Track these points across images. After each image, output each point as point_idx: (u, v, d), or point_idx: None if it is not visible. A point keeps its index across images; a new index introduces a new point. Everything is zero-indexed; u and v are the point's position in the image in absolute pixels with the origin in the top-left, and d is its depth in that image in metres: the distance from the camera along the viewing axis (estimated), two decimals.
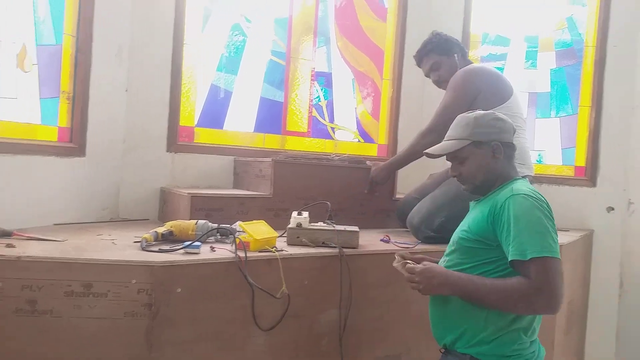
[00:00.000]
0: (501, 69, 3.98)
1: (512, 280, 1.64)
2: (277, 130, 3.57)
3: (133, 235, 2.28)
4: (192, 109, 3.25)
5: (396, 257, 1.91)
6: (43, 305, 1.73)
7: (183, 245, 1.99)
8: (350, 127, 3.89)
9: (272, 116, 3.55)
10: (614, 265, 3.86)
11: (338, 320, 2.18)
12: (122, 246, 2.09)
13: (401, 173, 3.18)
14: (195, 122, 3.27)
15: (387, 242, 2.54)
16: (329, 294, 2.17)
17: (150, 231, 2.15)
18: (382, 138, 3.99)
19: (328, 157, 3.16)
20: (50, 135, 2.65)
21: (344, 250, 2.22)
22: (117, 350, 1.78)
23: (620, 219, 3.85)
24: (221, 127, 3.36)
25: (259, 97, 3.50)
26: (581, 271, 3.64)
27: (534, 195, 1.71)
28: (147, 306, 1.78)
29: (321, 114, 3.76)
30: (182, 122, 3.20)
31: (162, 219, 2.91)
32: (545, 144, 4.07)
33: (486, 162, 1.82)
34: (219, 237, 2.26)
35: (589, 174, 3.94)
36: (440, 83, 3.02)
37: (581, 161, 3.99)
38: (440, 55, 3.00)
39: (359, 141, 3.92)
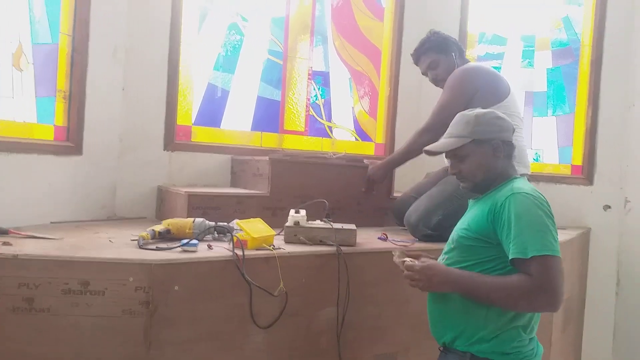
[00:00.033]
0: (498, 68, 3.99)
1: (513, 278, 1.64)
2: (275, 129, 3.57)
3: (130, 234, 2.28)
4: (189, 108, 3.25)
5: (395, 253, 1.90)
6: (40, 303, 1.73)
7: (180, 244, 1.99)
8: (348, 125, 3.89)
9: (269, 115, 3.54)
10: (611, 263, 3.87)
11: (336, 318, 2.18)
12: (119, 244, 2.08)
13: (398, 171, 3.18)
14: (193, 121, 3.27)
15: (385, 240, 2.54)
16: (326, 292, 2.17)
17: (148, 229, 2.14)
18: (379, 137, 3.99)
19: (325, 155, 3.16)
20: (46, 134, 2.65)
21: (342, 248, 2.22)
22: (114, 348, 1.78)
23: (617, 217, 3.86)
24: (218, 126, 3.36)
25: (256, 96, 3.50)
26: (578, 269, 3.64)
27: (534, 194, 1.71)
28: (144, 304, 1.78)
29: (318, 113, 3.76)
30: (179, 120, 3.19)
31: (160, 217, 2.90)
32: (542, 143, 4.08)
33: (486, 160, 1.82)
34: (217, 235, 2.26)
35: (585, 173, 3.95)
36: (438, 82, 3.02)
37: (578, 160, 4.00)
38: (438, 53, 3.00)
39: (356, 140, 3.92)
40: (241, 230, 2.11)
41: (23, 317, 1.72)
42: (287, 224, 2.31)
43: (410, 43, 3.45)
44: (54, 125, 2.68)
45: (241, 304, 1.96)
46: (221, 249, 2.03)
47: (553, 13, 4.07)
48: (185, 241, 2.00)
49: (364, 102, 3.95)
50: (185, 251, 1.96)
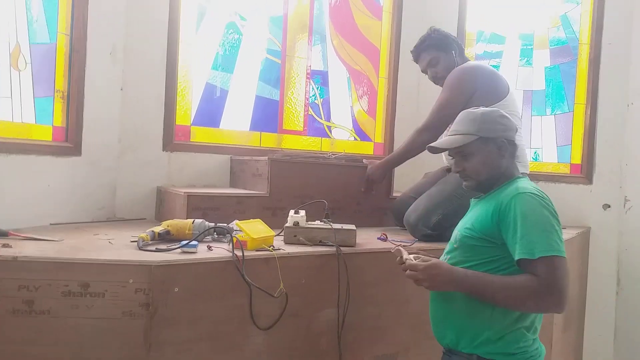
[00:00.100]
0: (496, 67, 3.99)
1: (520, 279, 1.63)
2: (274, 128, 3.56)
3: (130, 235, 2.27)
4: (187, 108, 3.24)
5: (394, 251, 1.88)
6: (40, 305, 1.72)
7: (180, 245, 1.98)
8: (347, 125, 3.89)
9: (268, 115, 3.54)
10: (611, 262, 3.87)
11: (336, 319, 2.17)
12: (118, 246, 2.08)
13: (398, 171, 3.18)
14: (191, 121, 3.26)
15: (384, 240, 2.53)
16: (326, 292, 2.17)
17: (147, 230, 2.14)
18: (378, 136, 3.99)
19: (324, 155, 3.15)
20: (45, 134, 2.64)
21: (342, 248, 2.21)
22: (115, 350, 1.77)
23: (617, 216, 3.86)
24: (217, 126, 3.36)
25: (254, 96, 3.49)
26: (578, 268, 3.64)
27: (539, 194, 1.71)
28: (144, 306, 1.77)
29: (317, 113, 3.75)
30: (178, 121, 3.18)
31: (159, 218, 2.90)
32: (541, 142, 4.08)
33: (491, 158, 1.82)
34: (216, 236, 2.25)
35: (584, 172, 3.95)
36: (437, 79, 3.02)
37: (577, 159, 3.99)
38: (438, 51, 3.00)
39: (355, 139, 3.92)
40: (241, 231, 2.11)
41: (23, 319, 1.72)
42: (286, 224, 2.31)
43: (408, 42, 3.44)
44: (53, 125, 2.67)
45: (241, 305, 1.95)
46: (221, 250, 2.03)
47: (551, 11, 4.07)
48: (184, 242, 2.00)
49: (362, 102, 3.95)
50: (185, 252, 1.95)
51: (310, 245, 2.25)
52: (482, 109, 1.90)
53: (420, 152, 2.88)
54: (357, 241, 2.34)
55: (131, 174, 2.99)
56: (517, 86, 4.03)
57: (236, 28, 3.42)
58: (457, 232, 1.87)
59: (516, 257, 1.64)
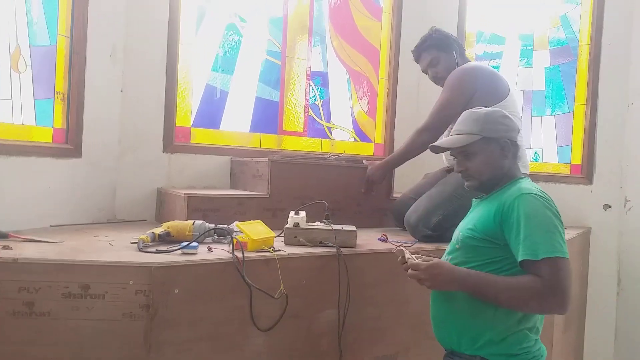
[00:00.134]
0: (496, 68, 3.99)
1: (524, 279, 1.63)
2: (274, 130, 3.56)
3: (130, 237, 2.27)
4: (188, 109, 3.24)
5: (399, 249, 1.88)
6: (40, 307, 1.72)
7: (180, 246, 1.98)
8: (347, 126, 3.89)
9: (268, 116, 3.54)
10: (612, 263, 3.87)
11: (336, 319, 2.17)
12: (119, 247, 2.08)
13: (398, 172, 3.18)
14: (191, 123, 3.26)
15: (385, 241, 2.53)
16: (327, 293, 2.17)
17: (147, 232, 2.13)
18: (378, 137, 3.99)
19: (325, 156, 3.16)
20: (45, 136, 2.64)
21: (342, 249, 2.21)
22: (115, 352, 1.77)
23: (617, 217, 3.86)
24: (217, 128, 3.36)
25: (254, 97, 3.49)
26: (579, 269, 3.64)
27: (542, 195, 1.71)
28: (145, 307, 1.77)
29: (317, 114, 3.76)
30: (178, 122, 3.18)
31: (159, 219, 2.90)
32: (541, 142, 4.08)
33: (494, 159, 1.81)
34: (216, 237, 2.25)
35: (585, 172, 3.95)
36: (438, 80, 3.02)
37: (577, 159, 3.99)
38: (439, 51, 3.00)
39: (355, 140, 3.92)
40: (241, 232, 2.11)
41: (23, 321, 1.72)
42: (287, 225, 2.31)
43: (408, 43, 3.44)
44: (53, 127, 2.67)
45: (241, 306, 1.95)
46: (221, 251, 2.03)
47: (551, 12, 4.07)
48: (185, 244, 2.00)
49: (362, 103, 3.95)
50: (185, 254, 1.95)
51: (311, 246, 2.25)
52: (485, 109, 1.90)
53: (421, 152, 2.88)
54: (357, 242, 2.34)
55: (131, 176, 2.99)
56: (517, 87, 4.03)
57: (236, 29, 3.42)
58: (459, 232, 1.86)
59: (519, 259, 1.63)
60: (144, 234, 2.10)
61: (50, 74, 2.66)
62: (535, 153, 4.08)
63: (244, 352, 1.98)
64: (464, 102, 2.74)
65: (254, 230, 2.14)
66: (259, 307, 1.98)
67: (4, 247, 1.87)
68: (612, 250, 3.87)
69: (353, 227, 2.36)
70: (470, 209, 1.96)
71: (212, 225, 2.24)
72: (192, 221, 2.25)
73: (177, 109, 3.17)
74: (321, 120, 3.77)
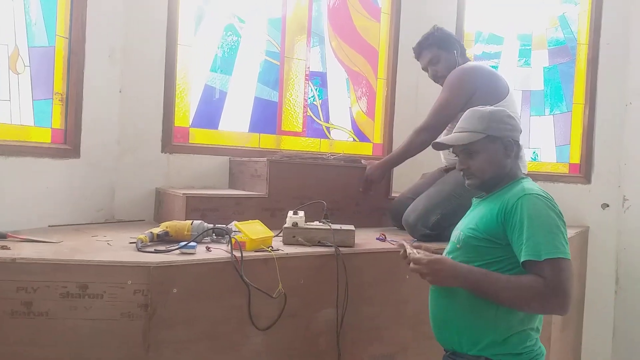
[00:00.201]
0: (495, 67, 3.99)
1: (527, 279, 1.62)
2: (272, 130, 3.56)
3: (128, 236, 2.27)
4: (186, 110, 3.24)
5: (401, 244, 1.87)
6: (38, 307, 1.73)
7: (179, 246, 1.99)
8: (346, 126, 3.89)
9: (267, 116, 3.54)
10: (610, 262, 3.87)
11: (335, 319, 2.18)
12: (117, 247, 2.08)
13: (396, 171, 3.18)
14: (190, 123, 3.26)
15: (383, 240, 2.53)
16: (325, 293, 2.17)
17: (146, 232, 2.14)
18: (377, 137, 4.00)
19: (323, 156, 3.16)
20: (43, 137, 2.64)
21: (340, 249, 2.22)
22: (113, 352, 1.77)
23: (615, 216, 3.86)
24: (216, 128, 3.36)
25: (253, 97, 3.49)
26: (577, 268, 3.64)
27: (546, 195, 1.70)
28: (143, 307, 1.78)
29: (316, 114, 3.76)
30: (177, 122, 3.19)
31: (158, 219, 2.90)
32: (539, 142, 4.08)
33: (497, 158, 1.80)
34: (215, 237, 2.25)
35: (583, 171, 3.95)
36: (437, 78, 3.02)
37: (576, 158, 4.00)
38: (440, 49, 2.99)
39: (354, 140, 3.92)
40: (239, 232, 2.11)
41: (21, 321, 1.72)
42: (285, 225, 2.31)
43: (407, 43, 3.45)
44: (51, 127, 2.68)
45: (240, 306, 1.95)
46: (219, 251, 2.03)
47: (549, 12, 4.07)
48: (183, 243, 2.00)
49: (361, 103, 3.95)
50: (183, 253, 1.96)
51: (309, 246, 2.25)
52: (490, 107, 1.89)
53: (419, 151, 2.88)
54: (355, 241, 2.34)
55: (130, 176, 2.99)
56: (515, 86, 4.03)
57: (235, 30, 3.43)
58: (460, 232, 1.84)
59: (522, 259, 1.62)
60: (143, 234, 2.10)
61: (49, 75, 2.67)
62: (534, 152, 4.08)
63: (242, 351, 1.98)
64: (464, 102, 2.75)
65: (252, 229, 2.14)
66: (258, 306, 1.98)
67: (2, 247, 1.88)
68: (610, 250, 3.87)
69: (351, 227, 2.36)
70: (471, 208, 1.95)
71: (211, 225, 2.25)
72: (191, 221, 2.25)
73: (176, 109, 3.18)
74: (320, 120, 3.77)
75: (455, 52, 2.99)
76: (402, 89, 3.98)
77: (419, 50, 3.08)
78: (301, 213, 2.35)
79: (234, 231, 2.15)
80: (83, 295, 1.74)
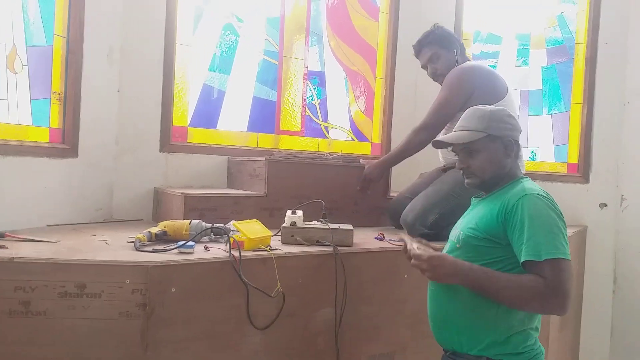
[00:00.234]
0: (493, 67, 3.99)
1: (527, 278, 1.61)
2: (271, 129, 3.56)
3: (127, 236, 2.27)
4: (185, 109, 3.24)
5: (400, 240, 1.87)
6: (36, 306, 1.72)
7: (177, 245, 1.99)
8: (344, 125, 3.89)
9: (265, 115, 3.54)
10: (608, 261, 3.87)
11: (333, 318, 2.18)
12: (115, 247, 2.08)
13: (394, 171, 3.18)
14: (188, 122, 3.26)
15: (382, 240, 2.54)
16: (324, 292, 2.17)
17: (144, 231, 2.14)
18: (375, 136, 4.00)
19: (322, 156, 3.16)
20: (41, 136, 2.64)
21: (339, 248, 2.22)
22: (112, 351, 1.77)
23: (613, 215, 3.87)
24: (214, 127, 3.36)
25: (251, 97, 3.49)
26: (575, 267, 3.64)
27: (546, 196, 1.70)
28: (141, 306, 1.77)
29: (314, 113, 3.76)
30: (175, 122, 3.18)
31: (156, 219, 2.90)
32: (537, 141, 4.09)
33: (497, 157, 1.81)
34: (213, 236, 2.25)
35: (581, 171, 3.96)
36: (436, 76, 3.01)
37: (574, 158, 4.00)
38: (440, 47, 2.99)
39: (352, 140, 3.92)
40: (238, 231, 2.11)
41: (19, 320, 1.72)
42: (284, 224, 2.31)
43: (405, 42, 3.45)
44: (49, 127, 2.67)
45: (238, 305, 1.95)
46: (218, 251, 2.03)
47: (548, 11, 4.08)
48: (181, 243, 2.00)
49: (360, 102, 3.95)
50: (181, 253, 1.96)
51: (308, 245, 2.25)
52: (490, 106, 1.89)
53: (418, 151, 2.89)
54: (354, 241, 2.34)
55: (128, 175, 2.99)
56: (514, 86, 4.01)
57: (233, 29, 3.43)
58: (459, 231, 1.84)
59: (522, 259, 1.62)
60: (141, 233, 2.10)
61: (47, 74, 2.66)
62: (532, 152, 4.09)
63: (240, 350, 1.98)
64: (463, 101, 2.75)
65: (250, 229, 2.14)
66: (256, 306, 1.98)
67: (0, 247, 1.87)
68: (608, 249, 3.87)
69: (350, 226, 2.36)
70: (470, 208, 1.94)
71: (209, 225, 2.24)
72: (189, 220, 2.24)
73: (174, 108, 3.17)
74: (318, 119, 3.77)
75: (455, 50, 3.00)
76: (400, 88, 3.98)
77: (419, 48, 3.08)
78: (299, 212, 2.35)
79: (233, 231, 2.15)
80: (81, 295, 1.74)
